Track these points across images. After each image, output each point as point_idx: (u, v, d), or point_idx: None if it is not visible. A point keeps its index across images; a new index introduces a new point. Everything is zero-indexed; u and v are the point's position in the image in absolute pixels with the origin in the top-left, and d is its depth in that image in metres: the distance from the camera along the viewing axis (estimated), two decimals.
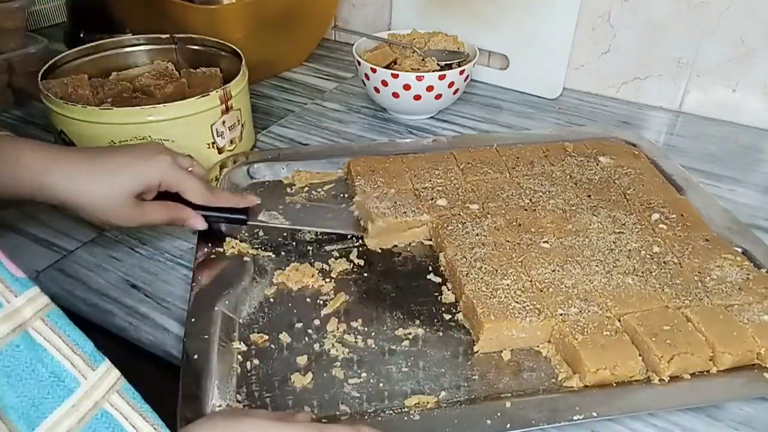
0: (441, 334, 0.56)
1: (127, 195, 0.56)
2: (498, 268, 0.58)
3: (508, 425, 0.46)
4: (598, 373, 0.49)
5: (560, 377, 0.51)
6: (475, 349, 0.54)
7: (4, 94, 0.92)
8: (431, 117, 0.93)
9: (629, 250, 0.62)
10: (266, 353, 0.53)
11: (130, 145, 0.67)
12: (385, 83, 0.86)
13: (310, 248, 0.65)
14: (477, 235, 0.63)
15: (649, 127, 0.93)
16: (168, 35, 0.87)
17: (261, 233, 0.67)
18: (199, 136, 0.73)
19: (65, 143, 0.72)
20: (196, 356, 0.50)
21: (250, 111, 0.82)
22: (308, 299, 0.59)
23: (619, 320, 0.54)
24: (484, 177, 0.72)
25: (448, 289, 0.60)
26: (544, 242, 0.62)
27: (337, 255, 0.64)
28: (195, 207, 0.61)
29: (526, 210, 0.67)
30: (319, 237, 0.66)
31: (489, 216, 0.66)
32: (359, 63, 0.88)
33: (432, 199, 0.68)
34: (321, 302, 0.58)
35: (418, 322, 0.57)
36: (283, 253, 0.64)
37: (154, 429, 0.33)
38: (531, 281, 0.57)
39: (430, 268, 0.63)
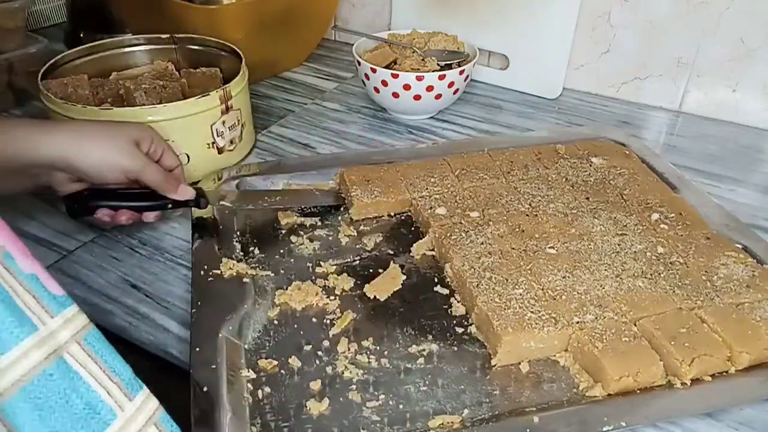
0: (456, 348, 0.54)
1: (131, 140, 0.58)
2: (508, 277, 0.57)
3: None
4: (621, 381, 0.48)
5: (581, 387, 0.50)
6: (493, 363, 0.52)
7: (4, 94, 0.92)
8: (431, 117, 0.93)
9: (635, 252, 0.62)
10: (277, 380, 0.51)
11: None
12: (385, 83, 0.86)
13: (309, 265, 0.62)
14: (482, 243, 0.62)
15: (648, 127, 0.93)
16: (168, 35, 0.87)
17: (256, 251, 0.64)
18: (199, 136, 0.73)
19: None
20: (205, 388, 0.48)
21: (250, 111, 0.82)
22: (314, 319, 0.56)
23: (635, 325, 0.53)
24: (481, 183, 0.72)
25: (458, 301, 0.58)
26: (549, 248, 0.62)
27: (339, 270, 0.62)
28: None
29: (527, 215, 0.67)
30: (318, 252, 0.64)
31: (491, 223, 0.65)
32: (359, 63, 0.88)
33: (431, 208, 0.67)
34: (328, 322, 0.56)
35: (430, 337, 0.55)
36: (282, 270, 0.62)
37: None
38: (543, 289, 0.56)
39: (436, 280, 0.61)
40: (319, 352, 0.53)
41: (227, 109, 0.74)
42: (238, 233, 0.67)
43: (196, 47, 0.87)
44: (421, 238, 0.66)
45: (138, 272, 0.62)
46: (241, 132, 0.79)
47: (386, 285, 0.60)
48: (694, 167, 0.80)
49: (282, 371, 0.51)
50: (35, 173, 0.57)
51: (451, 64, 0.90)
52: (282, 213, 0.69)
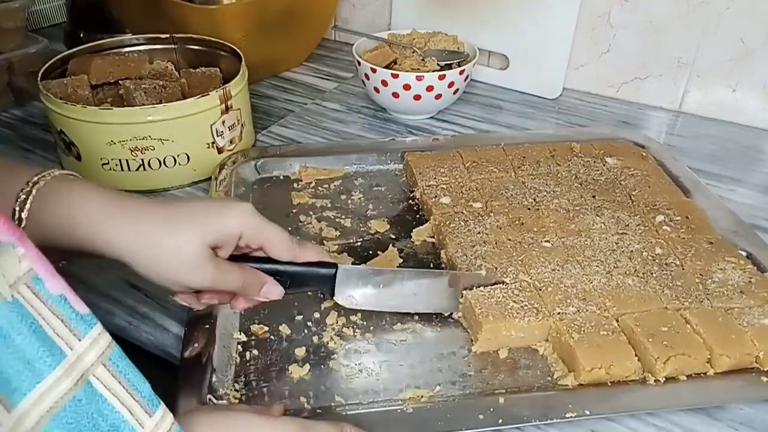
0: (440, 330, 0.56)
1: (204, 247, 0.44)
2: (498, 266, 0.59)
3: (500, 420, 0.47)
4: (593, 372, 0.49)
5: (556, 375, 0.51)
6: (474, 349, 0.54)
7: (4, 94, 0.92)
8: (431, 117, 0.93)
9: (631, 251, 0.62)
10: (266, 344, 0.54)
11: (207, 197, 0.64)
12: (385, 83, 0.86)
13: (313, 243, 0.64)
14: (479, 233, 0.63)
15: (649, 127, 0.93)
16: (168, 35, 0.87)
17: None
18: (198, 136, 0.73)
19: (65, 143, 0.72)
20: (196, 345, 0.51)
21: (250, 111, 0.82)
22: (309, 293, 0.59)
23: (617, 320, 0.54)
24: (489, 176, 0.73)
25: None
26: (545, 241, 0.62)
27: (341, 249, 0.64)
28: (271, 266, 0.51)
29: (529, 209, 0.67)
30: (323, 234, 0.67)
31: (492, 214, 0.66)
32: (359, 63, 0.88)
33: (436, 196, 0.69)
34: (322, 296, 0.59)
35: (417, 317, 0.57)
36: None
37: None
38: (530, 280, 0.57)
39: (432, 265, 0.63)
40: (309, 323, 0.56)
41: (227, 109, 0.74)
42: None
43: (196, 47, 0.87)
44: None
45: None
46: (241, 132, 0.79)
47: (382, 266, 0.62)
48: (694, 167, 0.80)
49: (271, 337, 0.55)
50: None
51: (451, 64, 0.90)
52: (296, 193, 0.73)
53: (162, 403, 0.33)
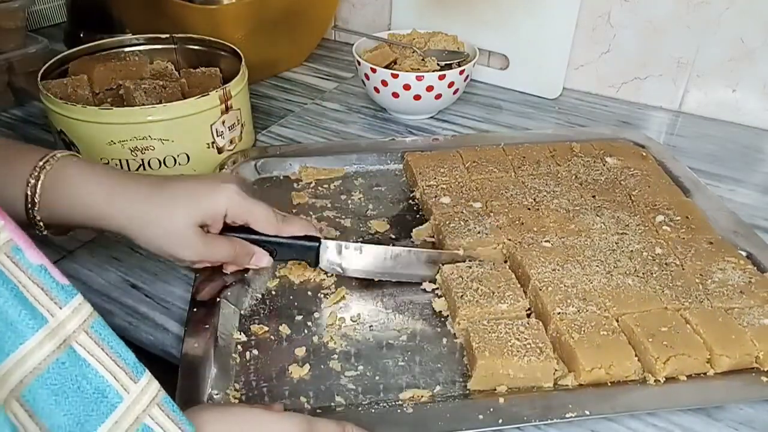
0: (439, 330, 0.56)
1: (191, 225, 0.51)
2: (495, 290, 0.56)
3: (500, 420, 0.47)
4: (593, 372, 0.49)
5: (555, 375, 0.51)
6: (469, 386, 0.50)
7: (4, 94, 0.92)
8: (431, 117, 0.93)
9: (631, 251, 0.62)
10: (266, 344, 0.54)
11: (196, 175, 0.66)
12: (385, 83, 0.86)
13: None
14: (478, 233, 0.63)
15: (649, 127, 0.93)
16: (168, 35, 0.87)
17: None
18: (198, 136, 0.73)
19: (65, 143, 0.72)
20: (196, 344, 0.51)
21: (250, 111, 0.82)
22: (309, 293, 0.60)
23: (617, 320, 0.54)
24: (489, 176, 0.73)
25: None
26: (545, 241, 0.62)
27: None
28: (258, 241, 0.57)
29: (529, 209, 0.67)
30: (324, 234, 0.66)
31: (492, 214, 0.66)
32: (359, 63, 0.88)
33: (436, 196, 0.69)
34: (322, 296, 0.59)
35: (416, 317, 0.57)
36: None
37: None
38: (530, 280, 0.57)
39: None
40: (309, 323, 0.56)
41: (227, 109, 0.74)
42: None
43: (196, 47, 0.87)
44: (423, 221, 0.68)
45: (138, 272, 0.62)
46: (241, 132, 0.79)
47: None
48: (694, 167, 0.80)
49: (271, 337, 0.55)
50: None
51: (451, 64, 0.90)
52: (296, 193, 0.73)
53: (147, 370, 0.33)
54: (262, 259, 0.56)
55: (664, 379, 0.50)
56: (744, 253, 0.63)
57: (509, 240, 0.63)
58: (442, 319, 0.57)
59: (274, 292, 0.59)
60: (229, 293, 0.57)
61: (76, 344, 0.30)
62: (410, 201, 0.73)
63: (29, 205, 0.48)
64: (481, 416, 0.47)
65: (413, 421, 0.47)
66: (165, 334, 0.56)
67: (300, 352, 0.53)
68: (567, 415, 0.47)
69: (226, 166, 0.74)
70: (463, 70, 0.87)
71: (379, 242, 0.66)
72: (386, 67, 0.89)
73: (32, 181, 0.48)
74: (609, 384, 0.50)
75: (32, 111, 0.92)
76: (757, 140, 0.89)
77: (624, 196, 0.70)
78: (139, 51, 0.86)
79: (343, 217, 0.70)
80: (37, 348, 0.29)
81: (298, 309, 0.58)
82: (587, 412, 0.47)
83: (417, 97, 0.87)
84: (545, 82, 0.99)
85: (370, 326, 0.56)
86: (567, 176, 0.73)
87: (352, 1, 1.16)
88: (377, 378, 0.51)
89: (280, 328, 0.55)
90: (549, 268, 0.59)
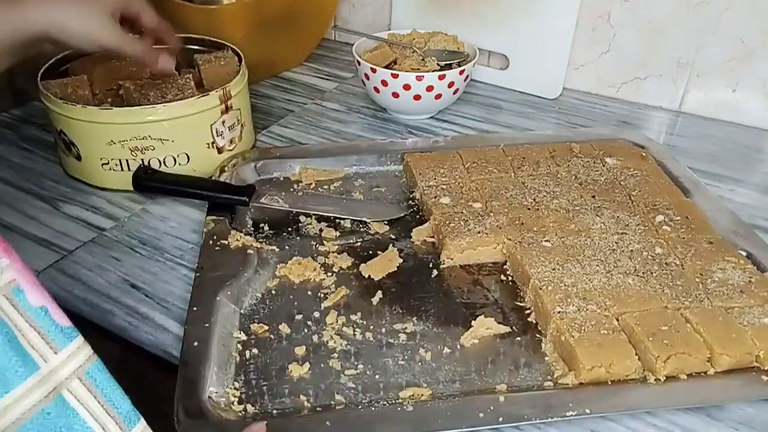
0: (439, 329, 0.56)
1: (108, 12, 0.60)
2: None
3: (501, 419, 0.47)
4: (593, 370, 0.49)
5: (556, 374, 0.51)
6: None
7: (4, 94, 0.92)
8: (431, 117, 0.93)
9: (631, 250, 0.62)
10: (265, 343, 0.54)
11: None
12: (385, 83, 0.86)
13: (314, 243, 0.66)
14: (478, 233, 0.63)
15: (649, 127, 0.93)
16: None
17: (266, 227, 0.67)
18: (198, 136, 0.73)
19: (65, 143, 0.72)
20: (196, 343, 0.51)
21: (250, 111, 0.82)
22: (309, 292, 0.60)
23: (617, 319, 0.54)
24: (489, 176, 0.73)
25: None
26: (545, 241, 0.62)
27: (340, 249, 0.65)
28: (194, 190, 0.69)
29: (529, 209, 0.67)
30: (323, 234, 0.67)
31: (491, 214, 0.66)
32: (359, 63, 0.88)
33: (436, 197, 0.69)
34: (322, 295, 0.59)
35: (416, 317, 0.57)
36: (287, 247, 0.65)
37: None
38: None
39: (431, 265, 0.63)
40: (309, 322, 0.56)
41: (227, 109, 0.74)
42: (252, 210, 0.69)
43: (196, 47, 0.86)
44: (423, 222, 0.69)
45: (138, 272, 0.62)
46: (241, 132, 0.79)
47: (382, 266, 0.63)
48: (694, 167, 0.80)
49: (271, 336, 0.55)
50: (22, 48, 0.58)
51: (451, 64, 0.90)
52: None
53: (141, 419, 0.32)
54: (167, 60, 0.67)
55: (664, 377, 0.50)
56: (744, 253, 0.63)
57: (509, 240, 0.63)
58: (443, 317, 0.57)
59: (274, 292, 0.60)
60: (229, 292, 0.57)
61: (66, 392, 0.29)
62: (410, 201, 0.73)
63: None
64: (481, 414, 0.47)
65: (413, 419, 0.47)
66: (165, 334, 0.56)
67: (300, 350, 0.53)
68: (567, 414, 0.47)
69: (225, 168, 0.74)
70: (463, 70, 0.87)
71: (378, 242, 0.66)
72: (386, 67, 0.89)
73: None
74: (609, 383, 0.50)
75: (32, 111, 0.92)
76: (757, 140, 0.89)
77: (624, 196, 0.70)
78: None
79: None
80: (24, 397, 0.28)
81: (297, 308, 0.58)
82: (587, 411, 0.47)
83: (417, 97, 0.87)
84: (545, 82, 0.99)
85: (369, 325, 0.56)
86: (567, 176, 0.73)
87: (352, 1, 1.16)
88: (377, 376, 0.51)
89: (280, 327, 0.55)
90: (549, 268, 0.59)
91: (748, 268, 0.60)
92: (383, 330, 0.56)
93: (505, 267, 0.63)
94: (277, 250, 0.64)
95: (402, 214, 0.69)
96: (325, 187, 0.75)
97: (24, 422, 0.28)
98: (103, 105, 0.78)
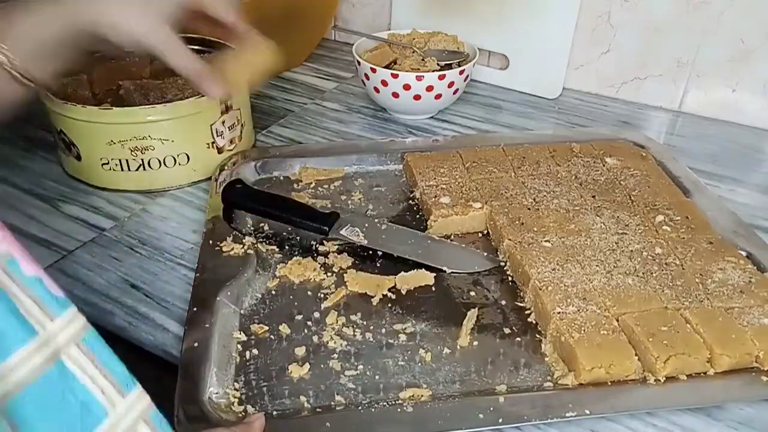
0: (440, 329, 0.56)
1: (162, 13, 0.54)
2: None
3: (501, 420, 0.47)
4: (593, 371, 0.49)
5: (555, 375, 0.51)
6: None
7: None
8: (431, 117, 0.93)
9: (631, 251, 0.62)
10: (265, 344, 0.54)
11: None
12: (384, 83, 0.86)
13: (314, 243, 0.66)
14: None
15: (649, 127, 0.93)
16: None
17: (266, 227, 0.67)
18: (198, 135, 0.73)
19: (65, 143, 0.72)
20: (196, 344, 0.51)
21: (250, 111, 0.82)
22: (309, 292, 0.59)
23: (617, 320, 0.54)
24: (489, 176, 0.73)
25: None
26: (545, 241, 0.62)
27: (340, 249, 0.65)
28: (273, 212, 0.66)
29: (529, 209, 0.67)
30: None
31: (491, 214, 0.66)
32: (359, 63, 0.88)
33: (435, 196, 0.69)
34: (322, 296, 0.59)
35: (416, 317, 0.57)
36: (286, 247, 0.65)
37: None
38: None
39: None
40: (309, 323, 0.56)
41: (227, 109, 0.74)
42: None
43: (196, 47, 0.86)
44: (424, 225, 0.68)
45: (138, 272, 0.62)
46: (241, 132, 0.79)
47: (416, 280, 0.61)
48: (694, 167, 0.80)
49: (271, 336, 0.55)
50: (72, 46, 0.54)
51: (451, 64, 0.90)
52: (296, 194, 0.73)
53: (138, 385, 0.33)
54: (216, 88, 0.58)
55: (664, 378, 0.50)
56: (744, 253, 0.63)
57: (510, 240, 0.63)
58: (443, 318, 0.57)
59: (274, 292, 0.59)
60: (228, 293, 0.57)
61: (65, 357, 0.30)
62: (410, 201, 0.73)
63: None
64: (481, 415, 0.47)
65: (413, 420, 0.47)
66: (165, 334, 0.56)
67: (300, 351, 0.53)
68: (567, 415, 0.47)
69: (225, 167, 0.74)
70: (463, 70, 0.87)
71: None
72: (386, 67, 0.89)
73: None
74: (609, 383, 0.50)
75: (32, 111, 0.92)
76: (757, 140, 0.89)
77: (624, 196, 0.70)
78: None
79: None
80: (25, 361, 0.28)
81: (297, 309, 0.58)
82: (587, 412, 0.47)
83: (417, 97, 0.87)
84: (545, 82, 0.99)
85: (369, 326, 0.56)
86: (567, 176, 0.73)
87: (352, 1, 1.16)
88: (377, 377, 0.51)
89: (280, 327, 0.55)
90: (549, 268, 0.59)
91: (748, 268, 0.60)
92: (383, 330, 0.56)
93: (505, 267, 0.63)
94: (277, 249, 0.64)
95: (488, 268, 0.63)
96: (325, 186, 0.75)
97: (26, 385, 0.28)
98: (103, 105, 0.78)
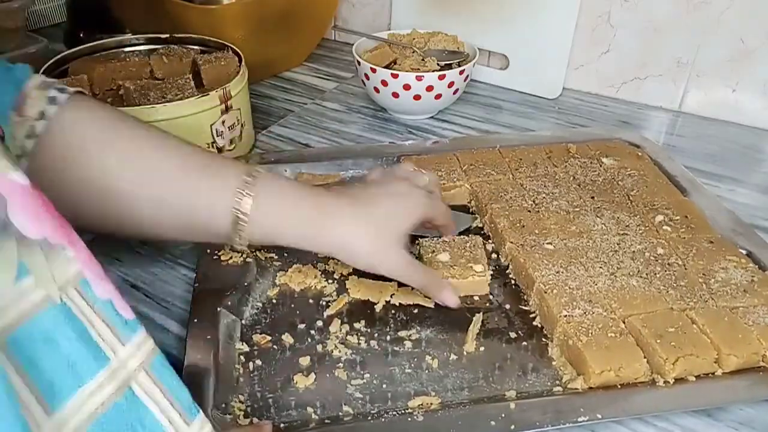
0: (445, 335, 0.55)
1: (397, 235, 0.54)
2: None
3: (513, 427, 0.46)
4: (602, 374, 0.49)
5: (564, 379, 0.51)
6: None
7: None
8: (431, 117, 0.93)
9: (633, 251, 0.62)
10: (269, 354, 0.53)
11: (381, 183, 0.60)
12: (385, 83, 0.86)
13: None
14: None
15: (649, 127, 0.93)
16: (168, 35, 0.86)
17: None
18: (198, 136, 0.73)
19: None
20: (198, 356, 0.50)
21: (250, 111, 0.82)
22: (311, 300, 0.59)
23: (624, 322, 0.53)
24: (487, 178, 0.72)
25: None
26: (547, 244, 0.62)
27: None
28: None
29: (529, 211, 0.67)
30: None
31: (492, 217, 0.66)
32: (359, 63, 0.88)
33: None
34: (324, 303, 0.58)
35: (420, 323, 0.56)
36: (285, 254, 0.64)
37: None
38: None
39: None
40: (312, 331, 0.55)
41: (227, 109, 0.74)
42: None
43: (196, 47, 0.86)
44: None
45: (138, 272, 0.62)
46: (241, 132, 0.79)
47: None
48: (694, 167, 0.80)
49: (274, 346, 0.54)
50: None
51: (451, 64, 0.90)
52: None
53: (201, 411, 0.32)
54: (451, 297, 0.56)
55: (673, 380, 0.50)
56: (744, 252, 0.63)
57: (512, 243, 0.62)
58: (449, 324, 0.56)
59: (275, 301, 0.58)
60: (229, 303, 0.56)
61: (135, 384, 0.29)
62: None
63: (239, 222, 0.49)
64: (492, 422, 0.46)
65: (425, 429, 0.46)
66: (165, 335, 0.56)
67: (304, 361, 0.52)
68: (579, 420, 0.47)
69: None
70: (463, 70, 0.87)
71: None
72: (386, 67, 0.89)
73: (243, 197, 0.49)
74: (618, 386, 0.50)
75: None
76: (757, 140, 0.89)
77: (622, 196, 0.70)
78: (139, 51, 0.86)
79: None
80: (97, 391, 0.28)
81: (300, 317, 0.56)
82: (599, 416, 0.47)
83: (417, 97, 0.87)
84: (545, 82, 0.99)
85: (374, 333, 0.55)
86: (565, 177, 0.73)
87: (352, 1, 1.16)
88: (384, 386, 0.50)
89: (283, 337, 0.54)
90: (552, 271, 0.58)
91: (750, 267, 0.60)
92: (388, 338, 0.55)
93: (507, 271, 0.62)
94: (276, 257, 0.63)
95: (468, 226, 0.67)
96: None
97: (98, 417, 0.27)
98: None
